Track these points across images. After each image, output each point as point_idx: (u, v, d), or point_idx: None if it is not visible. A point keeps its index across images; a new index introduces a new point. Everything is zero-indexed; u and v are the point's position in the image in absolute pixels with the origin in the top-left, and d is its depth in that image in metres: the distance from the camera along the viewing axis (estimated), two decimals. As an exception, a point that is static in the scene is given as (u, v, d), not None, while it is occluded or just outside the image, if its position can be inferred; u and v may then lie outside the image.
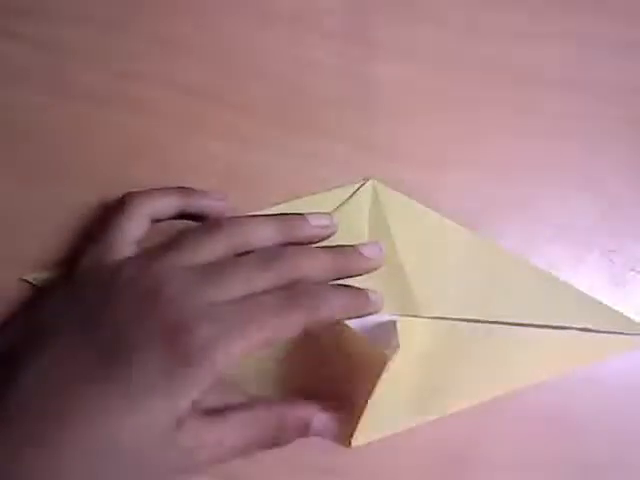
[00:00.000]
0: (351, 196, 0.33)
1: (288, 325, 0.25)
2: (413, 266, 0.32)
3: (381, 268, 0.30)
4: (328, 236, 0.29)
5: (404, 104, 0.34)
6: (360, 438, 0.28)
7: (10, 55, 0.33)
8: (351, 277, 0.28)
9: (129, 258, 0.27)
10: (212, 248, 0.27)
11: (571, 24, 0.35)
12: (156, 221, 0.29)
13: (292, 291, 0.26)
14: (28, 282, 0.31)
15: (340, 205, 0.33)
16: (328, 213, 0.30)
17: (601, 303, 0.32)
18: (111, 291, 0.26)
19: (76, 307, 0.26)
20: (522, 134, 0.34)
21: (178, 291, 0.25)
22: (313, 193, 0.33)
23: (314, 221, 0.29)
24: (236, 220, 0.28)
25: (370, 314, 0.28)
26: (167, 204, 0.29)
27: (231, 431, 0.25)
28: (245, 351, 0.24)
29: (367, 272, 0.29)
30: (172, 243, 0.27)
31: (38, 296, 0.30)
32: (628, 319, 0.32)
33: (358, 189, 0.33)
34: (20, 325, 0.28)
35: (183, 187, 0.30)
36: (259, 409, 0.26)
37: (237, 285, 0.26)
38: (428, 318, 0.31)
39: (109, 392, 0.24)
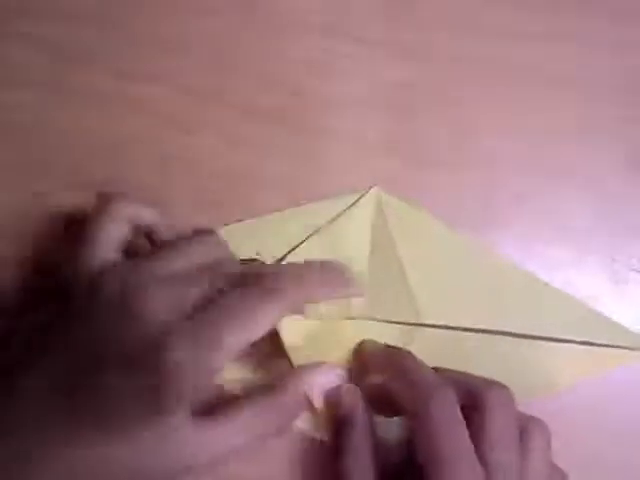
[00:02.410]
0: (354, 203, 0.33)
1: (262, 322, 0.25)
2: (416, 274, 0.32)
3: (384, 276, 0.30)
4: None
5: (404, 104, 0.34)
6: None
7: (10, 55, 0.33)
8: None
9: (109, 269, 0.26)
10: (188, 258, 0.27)
11: (571, 24, 0.35)
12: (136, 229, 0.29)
13: (261, 282, 0.25)
14: None
15: (343, 212, 0.33)
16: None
17: (604, 316, 0.32)
18: (90, 308, 0.26)
19: (60, 323, 0.26)
20: (522, 134, 0.34)
21: (149, 307, 0.24)
22: (316, 200, 0.33)
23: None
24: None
25: (353, 295, 0.29)
26: (145, 212, 0.29)
27: (230, 434, 0.25)
28: (221, 362, 0.24)
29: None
30: (154, 252, 0.27)
31: (33, 307, 0.30)
32: (629, 332, 0.32)
33: (361, 196, 0.33)
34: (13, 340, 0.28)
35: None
36: (254, 407, 0.26)
37: (205, 287, 0.25)
38: (430, 327, 0.31)
39: (84, 422, 0.24)
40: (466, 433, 0.25)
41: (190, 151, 0.33)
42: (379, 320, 0.31)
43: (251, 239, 0.32)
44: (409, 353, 0.29)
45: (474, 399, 0.27)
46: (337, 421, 0.29)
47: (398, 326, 0.31)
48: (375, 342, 0.30)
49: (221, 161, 0.33)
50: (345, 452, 0.28)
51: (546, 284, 0.32)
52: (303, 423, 0.30)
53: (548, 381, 0.31)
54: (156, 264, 0.26)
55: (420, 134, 0.34)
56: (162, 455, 0.24)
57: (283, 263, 0.31)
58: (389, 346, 0.30)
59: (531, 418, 0.28)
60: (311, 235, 0.32)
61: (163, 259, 0.26)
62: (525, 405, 0.29)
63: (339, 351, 0.30)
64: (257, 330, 0.25)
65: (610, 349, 0.32)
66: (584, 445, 0.31)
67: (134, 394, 0.23)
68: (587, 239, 0.33)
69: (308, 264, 0.28)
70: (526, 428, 0.27)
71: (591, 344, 0.32)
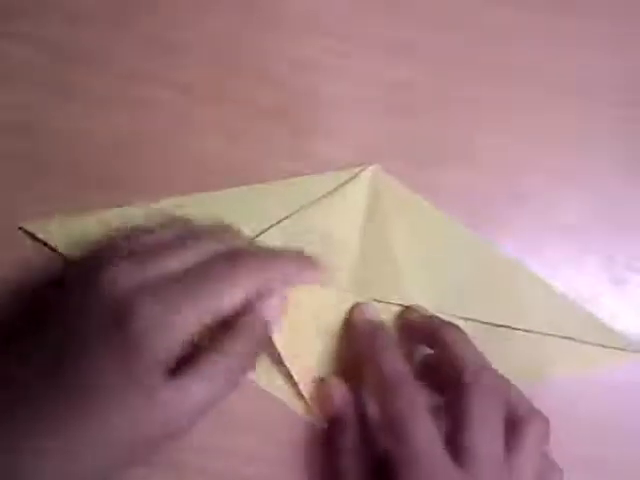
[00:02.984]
0: (351, 179, 0.33)
1: (229, 294, 0.25)
2: (406, 256, 0.32)
3: (375, 254, 0.31)
4: None
5: (404, 104, 0.34)
6: None
7: (10, 55, 0.33)
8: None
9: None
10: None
11: (571, 24, 0.35)
12: None
13: (233, 258, 0.26)
14: (28, 232, 0.31)
15: (339, 186, 0.33)
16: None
17: (591, 315, 0.32)
18: (65, 295, 0.27)
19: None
20: (521, 134, 0.34)
21: (115, 273, 0.25)
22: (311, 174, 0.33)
23: None
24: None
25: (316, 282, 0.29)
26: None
27: (202, 387, 0.25)
28: (190, 327, 0.24)
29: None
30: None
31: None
32: (614, 332, 0.32)
33: (360, 172, 0.33)
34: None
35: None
36: (219, 356, 0.26)
37: (173, 261, 0.26)
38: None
39: (71, 405, 0.24)
40: (429, 425, 0.25)
41: (190, 150, 0.33)
42: (368, 298, 0.31)
43: (239, 208, 0.32)
44: (382, 331, 0.30)
45: (456, 386, 0.27)
46: (329, 420, 0.30)
47: (385, 306, 0.32)
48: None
49: (221, 160, 0.33)
50: (340, 452, 0.29)
51: (537, 278, 0.33)
52: (300, 411, 0.30)
53: (530, 371, 0.32)
54: (131, 253, 0.26)
55: (420, 134, 0.34)
56: (147, 421, 0.24)
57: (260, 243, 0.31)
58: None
59: (529, 409, 0.27)
60: (304, 207, 0.32)
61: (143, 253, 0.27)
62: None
63: (320, 326, 0.31)
64: (222, 303, 0.25)
65: (595, 348, 0.32)
66: (584, 441, 0.31)
67: (112, 365, 0.24)
68: (587, 239, 0.33)
69: (281, 251, 0.29)
70: (522, 419, 0.27)
71: (575, 340, 0.32)
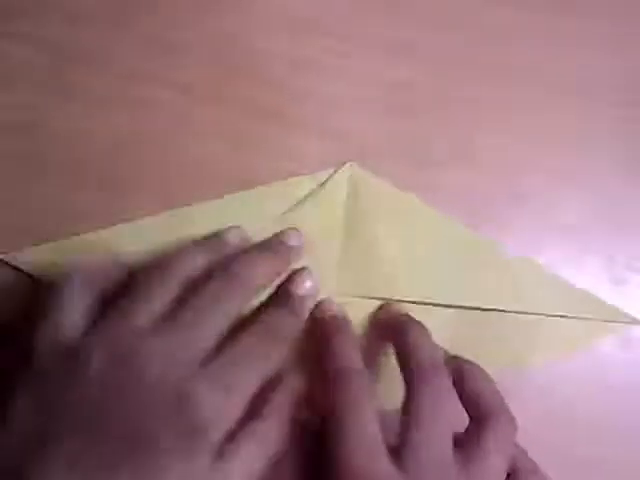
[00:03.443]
0: (328, 179, 0.33)
1: (275, 360, 0.26)
2: (390, 249, 0.32)
3: (358, 251, 0.31)
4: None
5: (404, 104, 0.34)
6: None
7: (10, 55, 0.33)
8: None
9: (86, 339, 0.24)
10: (164, 291, 0.26)
11: (571, 24, 0.35)
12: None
13: (269, 324, 0.27)
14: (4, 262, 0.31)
15: (317, 188, 0.33)
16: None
17: (577, 289, 0.33)
18: (87, 388, 0.23)
19: (51, 413, 0.23)
20: (521, 134, 0.34)
21: (153, 367, 0.23)
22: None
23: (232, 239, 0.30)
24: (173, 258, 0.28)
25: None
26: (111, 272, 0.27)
27: (251, 455, 0.25)
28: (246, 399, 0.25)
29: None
30: (123, 299, 0.25)
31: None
32: (603, 303, 0.32)
33: (335, 172, 0.33)
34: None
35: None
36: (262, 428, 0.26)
37: (211, 331, 0.25)
38: (403, 302, 0.32)
39: None
40: (370, 424, 0.25)
41: (190, 150, 0.33)
42: (355, 296, 0.32)
43: (221, 217, 0.32)
44: (344, 329, 0.30)
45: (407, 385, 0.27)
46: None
47: (374, 302, 0.32)
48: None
49: (221, 161, 0.33)
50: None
51: (523, 260, 0.33)
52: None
53: (519, 355, 0.32)
54: (134, 314, 0.25)
55: (420, 134, 0.34)
56: None
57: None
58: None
59: (493, 409, 0.27)
60: (285, 212, 0.32)
61: (136, 302, 0.25)
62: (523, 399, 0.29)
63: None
64: (273, 366, 0.27)
65: (582, 322, 0.32)
66: (582, 441, 0.31)
67: (172, 447, 0.23)
68: (587, 239, 0.33)
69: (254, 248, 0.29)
70: (485, 418, 0.26)
71: (563, 317, 0.32)
